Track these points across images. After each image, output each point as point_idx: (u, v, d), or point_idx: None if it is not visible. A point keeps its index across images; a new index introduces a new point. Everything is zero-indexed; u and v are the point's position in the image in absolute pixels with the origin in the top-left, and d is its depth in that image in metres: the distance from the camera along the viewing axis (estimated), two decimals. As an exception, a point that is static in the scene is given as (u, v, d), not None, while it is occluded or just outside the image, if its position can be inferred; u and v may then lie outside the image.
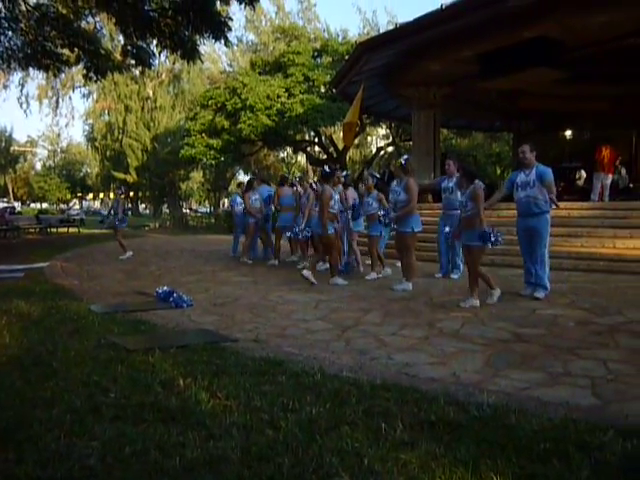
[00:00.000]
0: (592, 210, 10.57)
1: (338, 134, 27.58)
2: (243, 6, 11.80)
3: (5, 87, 43.57)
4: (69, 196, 63.07)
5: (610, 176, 12.68)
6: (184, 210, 46.63)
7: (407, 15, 55.79)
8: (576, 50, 10.57)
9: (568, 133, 17.73)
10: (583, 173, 14.99)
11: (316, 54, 25.46)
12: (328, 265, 8.16)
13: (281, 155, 40.99)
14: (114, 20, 12.43)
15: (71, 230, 23.27)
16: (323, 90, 23.12)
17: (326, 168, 8.07)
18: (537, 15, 9.37)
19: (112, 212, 12.03)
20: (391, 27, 13.77)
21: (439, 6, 10.01)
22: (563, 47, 10.40)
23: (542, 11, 9.23)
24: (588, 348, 4.14)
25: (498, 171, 29.97)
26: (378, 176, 8.47)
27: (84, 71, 13.70)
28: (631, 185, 14.26)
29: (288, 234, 9.16)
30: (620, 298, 6.13)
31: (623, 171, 14.31)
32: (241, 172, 43.70)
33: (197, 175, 45.38)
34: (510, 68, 11.00)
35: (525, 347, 4.22)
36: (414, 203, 7.03)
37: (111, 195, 55.03)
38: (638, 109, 14.09)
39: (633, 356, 3.91)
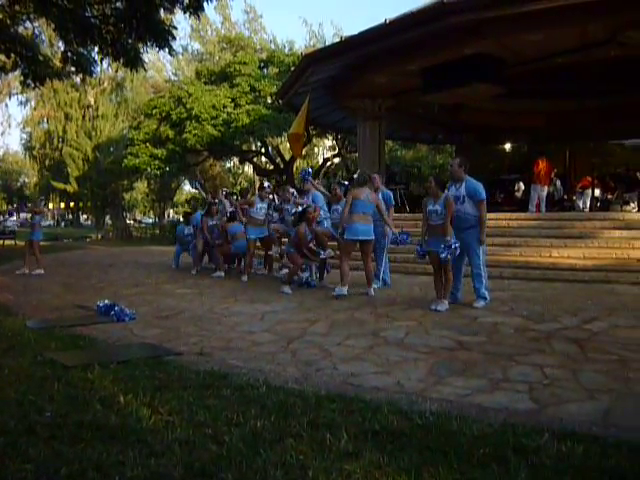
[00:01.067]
0: (530, 221, 10.99)
1: (285, 145, 27.59)
2: (188, 15, 11.69)
3: None
4: (5, 207, 60.39)
5: (546, 188, 13.21)
6: (128, 221, 45.45)
7: (353, 29, 56.61)
8: (514, 67, 11.01)
9: (507, 146, 18.39)
10: (522, 185, 15.57)
11: (262, 65, 25.44)
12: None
13: (227, 165, 40.65)
14: (53, 26, 12.05)
15: (7, 242, 22.27)
16: (269, 101, 23.11)
17: (300, 208, 8.45)
18: (475, 32, 9.70)
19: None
20: (337, 40, 13.95)
21: (383, 20, 10.24)
22: (502, 64, 10.81)
23: (479, 29, 9.57)
24: (526, 354, 4.28)
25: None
26: (347, 184, 8.59)
27: (21, 78, 13.21)
28: (565, 197, 14.92)
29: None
30: (555, 305, 6.36)
31: (558, 183, 14.96)
32: (187, 182, 43.02)
33: (141, 185, 44.34)
34: (452, 83, 11.33)
35: (467, 355, 4.32)
36: (345, 214, 7.27)
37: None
38: (571, 125, 14.80)
39: (567, 361, 4.06)
